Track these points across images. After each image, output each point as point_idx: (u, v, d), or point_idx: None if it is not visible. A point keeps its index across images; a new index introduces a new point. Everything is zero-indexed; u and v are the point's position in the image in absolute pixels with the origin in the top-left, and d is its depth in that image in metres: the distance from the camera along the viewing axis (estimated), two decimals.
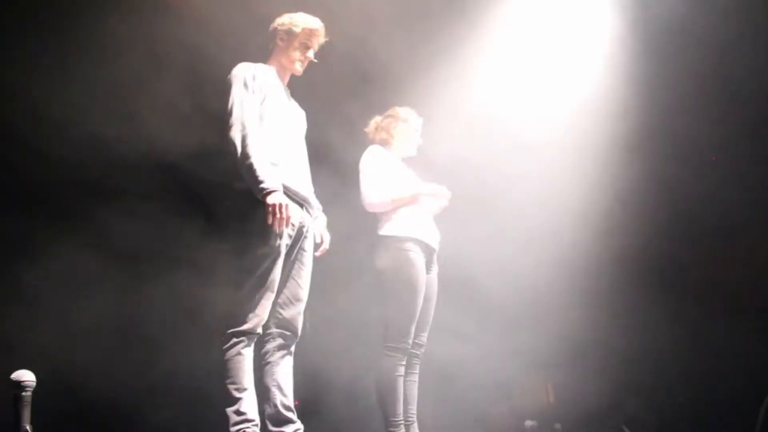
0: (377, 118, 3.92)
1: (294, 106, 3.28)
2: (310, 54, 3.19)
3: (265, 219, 2.84)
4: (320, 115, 3.42)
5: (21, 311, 3.89)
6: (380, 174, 3.69)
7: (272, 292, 2.96)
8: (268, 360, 3.04)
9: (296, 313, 3.10)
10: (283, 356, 3.06)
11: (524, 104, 4.92)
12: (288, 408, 3.01)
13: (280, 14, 3.21)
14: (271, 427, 2.98)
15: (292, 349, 3.11)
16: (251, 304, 2.91)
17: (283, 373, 3.05)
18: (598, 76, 5.03)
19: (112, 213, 4.16)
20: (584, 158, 4.97)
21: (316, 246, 3.25)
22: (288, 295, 3.08)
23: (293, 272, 3.10)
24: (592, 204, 4.96)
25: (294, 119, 3.21)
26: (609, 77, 5.00)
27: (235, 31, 3.55)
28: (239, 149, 2.87)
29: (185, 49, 3.90)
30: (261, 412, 2.96)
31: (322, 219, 3.32)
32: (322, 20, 3.20)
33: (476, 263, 4.70)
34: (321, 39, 3.20)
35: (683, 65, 4.85)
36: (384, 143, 3.84)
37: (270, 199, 2.83)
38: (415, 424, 3.61)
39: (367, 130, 3.91)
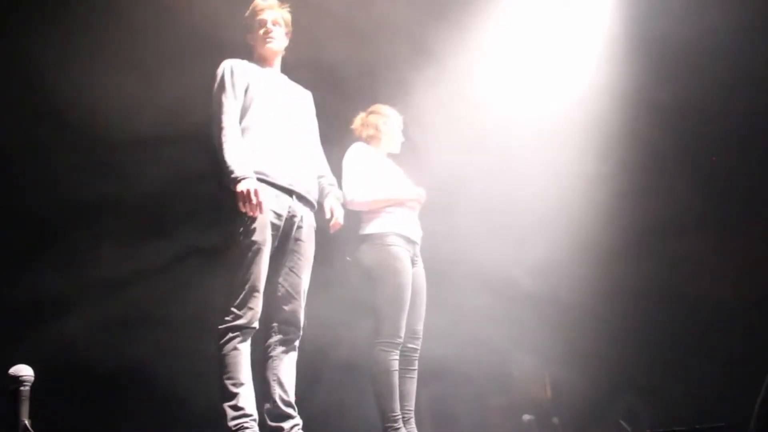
0: (362, 115, 3.93)
1: (290, 90, 3.27)
2: (269, 26, 3.19)
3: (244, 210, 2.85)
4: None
5: (20, 305, 3.90)
6: (363, 172, 3.70)
7: (261, 284, 2.93)
8: (270, 354, 3.03)
9: (297, 306, 3.07)
10: (285, 351, 3.04)
11: (521, 103, 4.94)
12: (287, 403, 3.00)
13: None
14: (269, 422, 2.97)
15: (296, 344, 3.09)
16: (242, 299, 2.88)
17: (285, 368, 3.03)
18: (596, 75, 5.04)
19: (109, 210, 4.17)
20: (583, 155, 4.98)
21: (327, 221, 3.21)
22: (287, 288, 3.06)
23: (291, 264, 3.08)
24: (592, 201, 4.97)
25: (286, 104, 3.18)
26: (606, 75, 5.01)
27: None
28: (216, 146, 2.91)
29: (182, 42, 3.91)
30: (262, 407, 2.96)
31: (335, 193, 3.29)
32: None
33: (474, 259, 4.71)
34: (276, 11, 3.22)
35: (681, 64, 4.86)
36: (370, 140, 3.85)
37: (239, 187, 2.83)
38: (413, 420, 3.61)
39: (353, 126, 3.92)
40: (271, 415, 2.98)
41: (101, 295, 4.15)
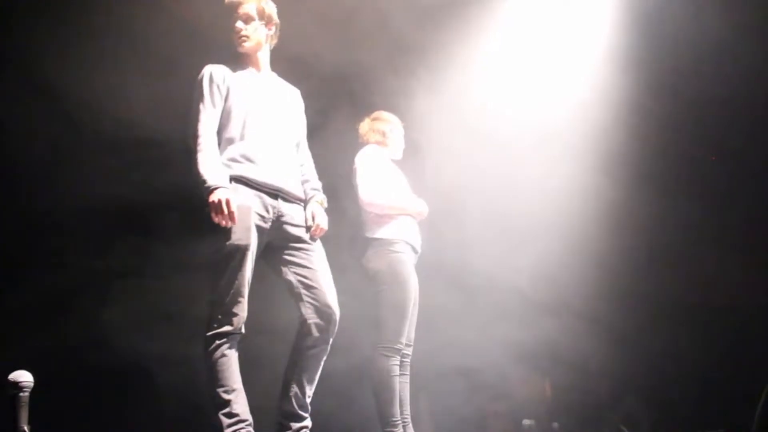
0: (367, 120, 3.94)
1: (277, 89, 3.20)
2: (238, 25, 3.08)
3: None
4: (314, 119, 3.40)
5: (20, 311, 3.90)
6: (379, 174, 3.71)
7: (246, 288, 2.88)
8: (300, 350, 2.98)
9: (323, 297, 2.98)
10: (316, 352, 2.98)
11: (521, 105, 4.94)
12: (301, 405, 2.96)
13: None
14: (279, 418, 2.96)
15: (328, 346, 3.01)
16: (227, 304, 2.85)
17: (309, 369, 2.98)
18: (597, 80, 5.04)
19: (106, 216, 4.17)
20: (584, 160, 4.98)
21: (308, 228, 3.09)
22: (310, 283, 2.99)
23: (304, 261, 3.02)
24: (593, 206, 4.96)
25: (271, 105, 3.12)
26: (607, 80, 5.02)
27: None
28: (192, 156, 2.89)
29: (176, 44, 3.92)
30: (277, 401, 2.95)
31: (318, 198, 3.18)
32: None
33: (474, 262, 4.71)
34: (248, 5, 3.09)
35: (681, 69, 4.87)
36: (379, 145, 3.86)
37: (211, 197, 2.80)
38: (410, 425, 3.61)
39: (360, 132, 3.92)
40: (282, 413, 2.96)
41: (104, 297, 4.16)
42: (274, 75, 3.25)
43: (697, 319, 4.93)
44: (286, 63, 3.30)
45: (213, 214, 2.80)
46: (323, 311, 2.99)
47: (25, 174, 4.06)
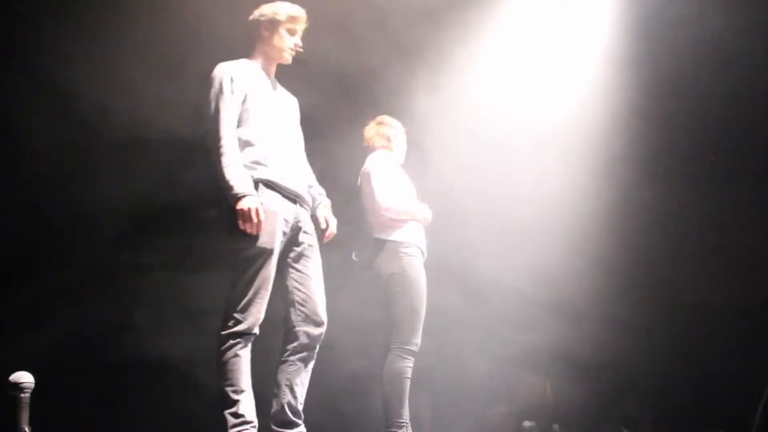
0: (372, 125, 3.93)
1: (283, 96, 3.23)
2: (297, 40, 3.13)
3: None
4: (315, 120, 3.40)
5: (21, 312, 3.91)
6: (393, 180, 3.73)
7: (266, 291, 2.91)
8: (287, 358, 3.00)
9: (316, 307, 3.02)
10: (304, 357, 3.01)
11: (521, 106, 4.95)
12: (294, 411, 2.98)
13: (258, 6, 3.16)
14: (273, 426, 2.97)
15: (314, 353, 3.04)
16: (245, 305, 2.86)
17: (299, 374, 3.00)
18: (598, 81, 5.05)
19: (112, 216, 4.17)
20: (584, 160, 4.99)
21: (322, 232, 3.15)
22: (304, 291, 3.02)
23: (302, 268, 3.05)
24: (592, 207, 4.97)
25: (282, 111, 3.15)
26: (607, 81, 5.02)
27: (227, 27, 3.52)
28: (213, 157, 2.87)
29: (179, 45, 3.91)
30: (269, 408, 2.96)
31: (325, 203, 3.24)
32: (312, 24, 3.18)
33: (474, 263, 4.71)
34: (304, 25, 3.15)
35: (681, 65, 4.87)
36: (385, 149, 3.86)
37: (239, 204, 2.80)
38: (410, 427, 3.62)
39: (366, 136, 3.92)
40: (275, 420, 2.97)
41: (105, 298, 4.16)
42: (276, 82, 3.26)
43: (697, 319, 4.93)
44: (285, 64, 3.30)
45: (241, 222, 2.80)
46: (313, 319, 3.02)
47: (32, 173, 4.07)
